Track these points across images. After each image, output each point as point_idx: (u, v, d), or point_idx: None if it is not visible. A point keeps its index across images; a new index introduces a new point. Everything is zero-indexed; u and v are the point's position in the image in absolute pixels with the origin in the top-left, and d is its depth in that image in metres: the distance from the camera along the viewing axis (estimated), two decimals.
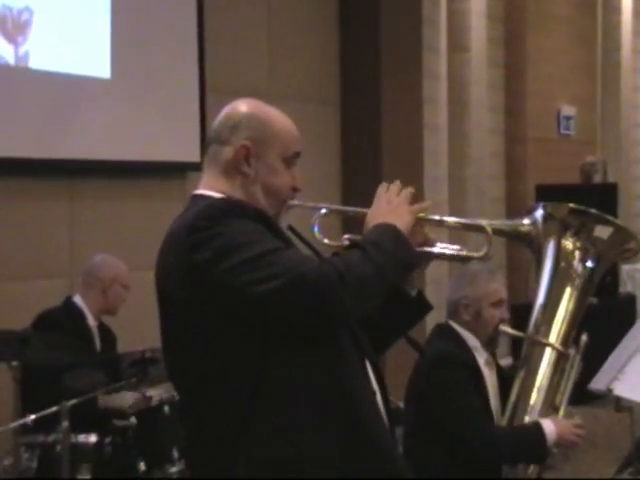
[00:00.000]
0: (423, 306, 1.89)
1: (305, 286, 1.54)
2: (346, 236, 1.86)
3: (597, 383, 2.69)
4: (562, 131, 7.70)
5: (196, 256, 1.58)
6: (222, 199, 1.69)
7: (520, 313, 2.97)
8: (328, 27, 5.77)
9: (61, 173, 4.28)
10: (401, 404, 3.10)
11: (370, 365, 1.75)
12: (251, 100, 1.81)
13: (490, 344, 2.94)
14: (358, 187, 5.59)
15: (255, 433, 1.58)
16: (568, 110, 7.76)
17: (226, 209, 1.64)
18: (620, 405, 2.95)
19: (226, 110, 1.80)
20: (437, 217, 1.82)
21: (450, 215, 5.81)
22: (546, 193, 6.28)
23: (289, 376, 1.60)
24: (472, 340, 2.90)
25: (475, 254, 1.80)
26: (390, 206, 1.74)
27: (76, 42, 4.27)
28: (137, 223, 4.48)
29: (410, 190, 1.77)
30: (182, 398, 1.72)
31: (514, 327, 3.07)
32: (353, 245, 1.68)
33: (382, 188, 1.78)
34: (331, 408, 1.61)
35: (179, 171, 4.63)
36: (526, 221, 1.85)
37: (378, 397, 1.74)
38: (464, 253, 1.83)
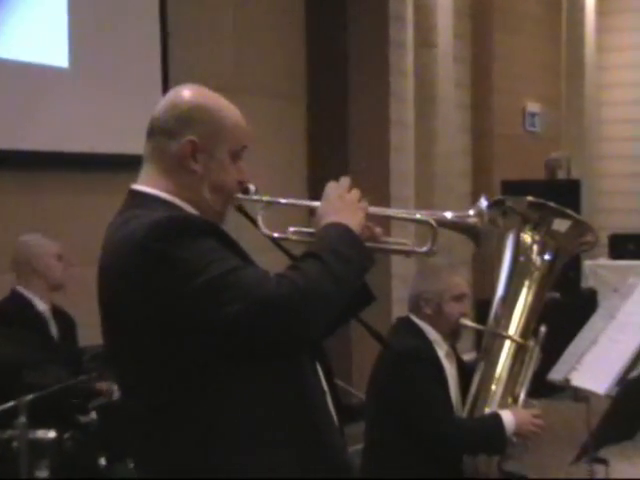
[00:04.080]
0: (366, 297, 1.85)
1: (267, 309, 1.49)
2: (291, 229, 1.81)
3: (555, 374, 2.72)
4: (527, 128, 7.77)
5: (149, 280, 1.53)
6: (169, 217, 1.57)
7: (484, 308, 2.98)
8: (295, 22, 5.75)
9: (20, 165, 4.20)
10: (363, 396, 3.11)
11: (320, 365, 1.72)
12: (197, 87, 1.71)
13: (452, 337, 2.95)
14: (325, 182, 5.56)
15: (215, 441, 1.56)
16: (533, 107, 7.83)
17: (176, 227, 1.55)
18: (578, 395, 2.97)
19: (171, 97, 1.70)
20: (380, 211, 1.76)
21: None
22: (511, 188, 6.32)
23: (244, 383, 1.57)
24: (433, 334, 2.91)
25: (419, 249, 1.75)
26: (342, 202, 1.69)
27: (31, 28, 4.11)
28: (100, 217, 4.41)
29: (357, 190, 1.73)
30: (133, 404, 1.66)
31: (479, 322, 3.08)
32: (310, 253, 1.60)
33: (331, 185, 1.74)
34: (286, 413, 1.60)
35: (140, 164, 4.57)
36: (471, 212, 1.78)
37: (328, 397, 1.73)
38: (407, 248, 1.79)
